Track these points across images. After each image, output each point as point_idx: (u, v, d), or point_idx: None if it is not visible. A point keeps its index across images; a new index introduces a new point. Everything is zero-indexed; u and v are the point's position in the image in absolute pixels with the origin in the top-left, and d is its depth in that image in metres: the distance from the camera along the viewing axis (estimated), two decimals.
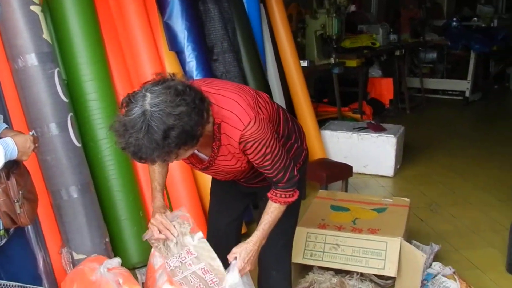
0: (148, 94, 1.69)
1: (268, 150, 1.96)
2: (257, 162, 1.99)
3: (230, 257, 2.10)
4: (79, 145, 3.00)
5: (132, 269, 3.14)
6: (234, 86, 2.04)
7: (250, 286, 2.19)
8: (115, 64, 3.34)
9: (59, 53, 3.14)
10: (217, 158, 2.02)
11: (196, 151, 2.01)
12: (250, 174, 2.19)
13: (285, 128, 2.18)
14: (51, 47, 2.94)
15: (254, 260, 2.12)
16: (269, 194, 2.09)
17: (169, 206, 3.41)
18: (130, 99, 1.70)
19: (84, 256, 2.86)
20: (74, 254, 2.94)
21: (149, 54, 3.45)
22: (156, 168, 2.19)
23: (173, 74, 1.82)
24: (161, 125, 1.65)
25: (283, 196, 2.07)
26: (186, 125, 1.68)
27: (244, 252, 2.08)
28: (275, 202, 2.08)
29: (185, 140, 1.71)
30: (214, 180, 2.46)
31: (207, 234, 2.57)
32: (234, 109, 1.90)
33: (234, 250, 2.10)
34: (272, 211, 2.09)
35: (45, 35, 2.89)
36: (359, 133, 5.20)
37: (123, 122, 1.67)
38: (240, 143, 1.92)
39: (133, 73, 3.43)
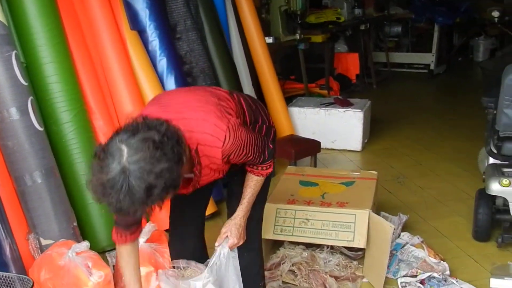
0: (124, 148, 1.60)
1: (248, 147, 1.98)
2: (241, 161, 2.03)
3: (221, 237, 2.12)
4: (41, 129, 2.93)
5: (102, 252, 3.10)
6: (194, 100, 1.98)
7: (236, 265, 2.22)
8: (75, 45, 3.26)
9: (16, 35, 3.04)
10: (201, 179, 2.01)
11: None
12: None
13: (251, 114, 2.18)
14: (7, 29, 2.85)
15: (244, 232, 2.17)
16: (248, 168, 2.12)
17: None
18: (106, 153, 1.61)
19: (52, 242, 2.82)
20: (42, 239, 2.89)
21: (110, 34, 3.39)
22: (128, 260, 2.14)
23: (146, 117, 1.73)
24: (142, 183, 1.58)
25: (263, 168, 2.12)
26: (168, 181, 1.63)
27: (234, 229, 2.12)
28: (256, 175, 2.12)
29: (168, 193, 1.67)
30: None
31: (170, 226, 2.52)
32: (205, 128, 1.88)
33: (224, 230, 2.12)
34: (254, 184, 2.14)
35: (0, 17, 2.80)
36: (327, 108, 5.21)
37: (101, 181, 1.59)
38: (223, 158, 1.92)
39: (94, 54, 3.37)
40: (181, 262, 2.34)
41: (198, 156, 1.89)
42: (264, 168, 2.12)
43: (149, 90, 3.54)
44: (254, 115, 2.20)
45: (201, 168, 1.94)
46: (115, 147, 1.62)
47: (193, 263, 2.32)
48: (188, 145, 1.82)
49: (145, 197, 1.60)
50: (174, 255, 2.51)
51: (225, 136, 1.88)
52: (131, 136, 1.63)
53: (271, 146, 2.12)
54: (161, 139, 1.64)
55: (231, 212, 2.31)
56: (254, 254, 2.38)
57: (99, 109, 3.30)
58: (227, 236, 2.13)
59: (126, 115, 1.85)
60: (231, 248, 2.10)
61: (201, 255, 2.51)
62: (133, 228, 2.07)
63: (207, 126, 1.88)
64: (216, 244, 2.11)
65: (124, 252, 2.11)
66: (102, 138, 3.29)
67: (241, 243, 2.15)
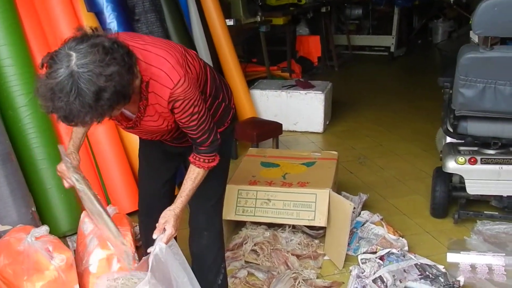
0: (73, 53, 1.58)
1: (196, 109, 1.93)
2: (183, 121, 1.95)
3: (160, 228, 2.03)
4: None
5: (62, 237, 3.08)
6: (161, 41, 1.97)
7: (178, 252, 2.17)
8: (30, 28, 3.19)
9: None
10: (143, 119, 1.97)
11: (123, 109, 1.95)
12: (176, 134, 2.16)
13: (213, 86, 2.14)
14: None
15: (179, 225, 2.10)
16: (191, 159, 2.06)
17: (98, 172, 3.35)
18: (53, 59, 1.59)
19: (10, 227, 2.77)
20: None
21: (66, 16, 3.32)
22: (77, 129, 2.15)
23: (95, 28, 1.71)
24: (92, 87, 1.56)
25: (206, 161, 2.05)
26: (118, 85, 1.61)
27: (172, 220, 2.03)
28: (198, 167, 2.06)
29: (117, 100, 1.64)
30: (141, 142, 2.42)
31: (138, 198, 2.52)
32: (163, 66, 1.84)
33: (162, 220, 2.04)
34: (195, 177, 2.07)
35: None
36: (288, 91, 5.23)
37: (50, 86, 1.56)
38: (169, 102, 1.86)
39: (51, 36, 3.29)
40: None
41: (147, 91, 1.86)
42: (207, 160, 2.06)
43: None
44: (215, 89, 2.16)
45: (147, 105, 1.90)
46: (63, 53, 1.59)
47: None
48: (141, 75, 1.80)
49: (95, 101, 1.58)
50: (142, 227, 2.55)
51: (179, 80, 1.84)
52: (79, 43, 1.60)
53: (218, 137, 2.06)
54: (111, 45, 1.63)
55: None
56: (215, 235, 2.37)
57: None
58: (164, 227, 2.04)
59: None
60: (168, 240, 2.01)
61: None
62: None
63: (165, 64, 1.84)
64: (154, 235, 2.01)
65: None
66: (60, 123, 3.23)
67: (175, 233, 2.06)
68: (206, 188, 2.17)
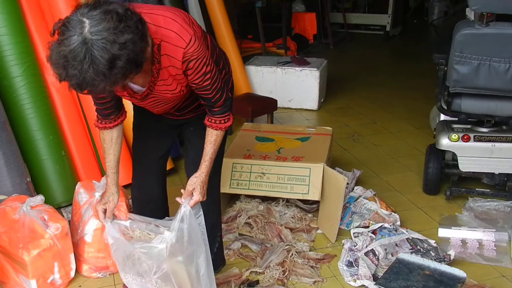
0: (86, 20, 1.55)
1: (208, 68, 1.94)
2: (197, 82, 1.95)
3: (187, 193, 2.09)
4: None
5: (57, 208, 3.08)
6: (163, 6, 1.99)
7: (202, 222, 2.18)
8: None
9: None
10: (157, 83, 1.95)
11: (130, 84, 1.95)
12: (184, 103, 2.18)
13: (213, 53, 2.13)
14: None
15: (205, 190, 2.15)
16: (207, 122, 2.10)
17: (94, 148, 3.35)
18: (66, 26, 1.56)
19: (5, 197, 2.78)
20: None
21: None
22: (110, 139, 2.17)
23: None
24: (106, 54, 1.54)
25: (222, 121, 2.09)
26: (132, 53, 1.59)
27: (199, 186, 2.10)
28: (215, 129, 2.10)
29: (131, 69, 1.63)
30: (137, 115, 2.40)
31: (133, 172, 2.51)
32: (172, 27, 1.83)
33: (190, 187, 2.10)
34: (214, 139, 2.12)
35: None
36: (283, 67, 5.22)
37: (63, 53, 1.54)
38: (183, 62, 1.86)
39: (45, 5, 3.25)
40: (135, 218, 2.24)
41: (159, 54, 1.85)
42: (223, 121, 2.10)
43: None
44: (216, 56, 2.16)
45: (160, 68, 1.89)
46: (75, 20, 1.56)
47: (150, 222, 2.21)
48: (151, 38, 1.79)
49: (109, 69, 1.57)
50: (136, 202, 2.53)
51: (190, 39, 1.84)
52: (92, 9, 1.58)
53: (230, 95, 2.10)
54: (124, 13, 1.62)
55: (189, 161, 2.35)
56: (213, 204, 2.40)
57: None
58: (192, 192, 2.11)
59: None
60: (193, 205, 2.09)
61: (162, 205, 2.55)
62: (113, 116, 2.12)
63: (174, 25, 1.83)
64: (182, 199, 2.07)
65: (106, 137, 2.15)
66: (55, 94, 3.23)
67: (202, 199, 2.14)
68: None
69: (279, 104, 4.76)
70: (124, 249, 2.08)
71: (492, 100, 3.19)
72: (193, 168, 2.19)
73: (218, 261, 2.45)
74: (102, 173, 3.28)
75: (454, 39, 3.02)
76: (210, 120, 2.10)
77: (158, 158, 2.45)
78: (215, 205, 2.47)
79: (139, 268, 2.06)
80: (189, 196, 2.09)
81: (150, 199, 2.48)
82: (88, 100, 3.24)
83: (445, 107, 3.35)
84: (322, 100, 5.41)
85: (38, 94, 3.10)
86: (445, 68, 3.25)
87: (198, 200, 2.09)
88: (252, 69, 5.25)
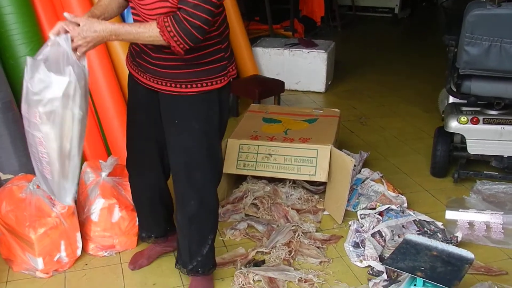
0: None
1: None
2: None
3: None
4: None
5: None
6: None
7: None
8: None
9: None
10: None
11: None
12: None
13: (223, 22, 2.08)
14: None
15: (90, 41, 1.88)
16: (159, 18, 1.86)
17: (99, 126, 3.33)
18: None
19: (12, 176, 2.78)
20: (1, 174, 2.85)
21: None
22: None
23: None
24: None
25: (172, 34, 1.83)
26: None
27: (86, 27, 1.85)
28: (157, 25, 1.85)
29: None
30: (129, 103, 2.33)
31: (126, 157, 2.43)
32: None
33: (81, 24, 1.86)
34: (144, 29, 1.87)
35: None
36: (291, 49, 5.18)
37: None
38: None
39: None
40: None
41: None
42: (178, 43, 1.84)
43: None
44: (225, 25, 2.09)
45: None
46: None
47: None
48: None
49: None
50: (132, 188, 2.49)
51: None
52: None
53: (210, 20, 1.87)
54: None
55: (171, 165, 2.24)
56: (208, 177, 2.20)
57: None
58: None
59: None
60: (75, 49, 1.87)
61: (161, 195, 2.44)
62: None
63: None
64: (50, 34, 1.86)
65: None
66: None
67: (80, 45, 1.87)
68: (191, 134, 2.10)
69: (286, 87, 4.73)
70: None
71: (502, 83, 3.15)
72: (179, 169, 2.16)
73: (209, 264, 2.35)
74: (109, 153, 3.28)
75: (465, 20, 2.98)
76: (164, 20, 1.84)
77: (150, 140, 2.29)
78: (211, 212, 2.29)
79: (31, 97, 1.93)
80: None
81: (145, 185, 2.41)
82: (94, 79, 3.22)
83: (455, 89, 3.32)
84: (329, 83, 5.37)
85: None
86: (455, 50, 3.21)
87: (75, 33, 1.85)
88: (259, 51, 5.22)
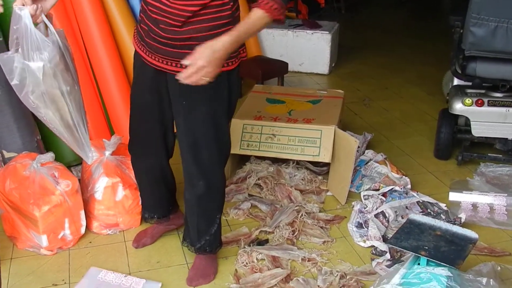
0: None
1: None
2: None
3: (194, 53, 1.81)
4: (0, 39, 2.82)
5: (67, 167, 3.08)
6: None
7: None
8: None
9: None
10: None
11: None
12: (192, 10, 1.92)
13: None
14: None
15: (218, 63, 1.84)
16: (254, 5, 1.86)
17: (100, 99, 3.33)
18: None
19: (15, 154, 2.78)
20: (4, 152, 2.85)
21: None
22: None
23: None
24: None
25: (275, 8, 1.83)
26: None
27: (208, 50, 1.80)
28: (262, 9, 1.83)
29: None
30: (133, 83, 2.29)
31: (129, 140, 2.39)
32: None
33: (198, 49, 1.81)
34: (253, 20, 1.85)
35: None
36: (295, 30, 5.15)
37: None
38: None
39: None
40: None
41: None
42: (277, 8, 1.82)
43: None
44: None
45: None
46: None
47: None
48: None
49: None
50: (135, 169, 2.46)
51: None
52: None
53: None
54: None
55: (181, 144, 2.18)
56: (214, 158, 2.19)
57: (58, 16, 3.15)
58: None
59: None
60: (196, 71, 1.80)
61: (163, 176, 2.42)
62: None
63: None
64: (185, 62, 1.81)
65: None
66: None
67: (209, 70, 1.82)
68: (203, 109, 2.07)
69: (290, 68, 4.71)
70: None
71: (508, 65, 3.13)
72: (187, 149, 2.13)
73: (216, 243, 2.36)
74: (112, 132, 3.27)
75: (472, 0, 2.95)
76: (262, 1, 1.83)
77: (152, 121, 2.26)
78: (218, 192, 2.28)
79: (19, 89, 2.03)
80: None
81: (147, 166, 2.40)
82: (98, 59, 3.21)
83: (460, 71, 3.30)
84: (333, 65, 5.35)
85: None
86: (461, 31, 3.18)
87: (199, 66, 1.79)
88: (263, 32, 5.17)
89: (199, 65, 1.79)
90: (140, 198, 2.61)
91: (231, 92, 2.14)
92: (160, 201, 2.53)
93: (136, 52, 2.19)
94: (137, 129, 2.32)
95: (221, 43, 1.82)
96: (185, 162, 2.20)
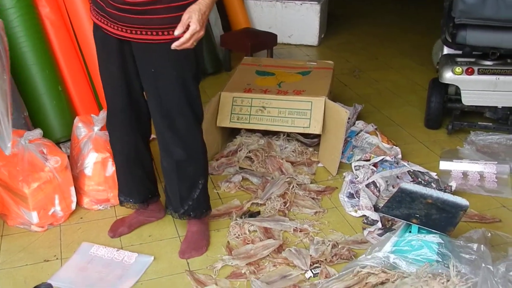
0: None
1: None
2: None
3: (182, 23, 1.83)
4: None
5: (56, 144, 3.05)
6: None
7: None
8: None
9: None
10: None
11: None
12: None
13: None
14: None
15: (205, 22, 1.88)
16: None
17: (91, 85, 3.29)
18: None
19: None
20: None
21: None
22: None
23: None
24: None
25: None
26: None
27: (197, 13, 1.83)
28: None
29: None
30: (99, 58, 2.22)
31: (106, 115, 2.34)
32: None
33: (186, 14, 1.84)
34: None
35: None
36: (283, 1, 5.09)
37: None
38: None
39: None
40: None
41: None
42: None
43: None
44: None
45: None
46: None
47: None
48: None
49: None
50: (112, 148, 2.39)
51: None
52: None
53: None
54: None
55: (152, 110, 2.16)
56: (191, 121, 2.15)
57: None
58: (188, 23, 1.84)
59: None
60: (191, 37, 1.84)
61: (139, 155, 2.34)
62: None
63: None
64: (176, 31, 1.83)
65: None
66: (49, 27, 3.14)
67: (201, 33, 1.87)
68: (172, 78, 2.05)
69: (279, 40, 4.67)
70: None
71: (498, 32, 3.12)
72: (159, 116, 2.09)
73: (200, 207, 2.33)
74: (100, 107, 3.24)
75: None
76: None
77: (123, 95, 2.19)
78: (198, 157, 2.25)
79: None
80: (185, 26, 1.83)
81: (122, 141, 2.32)
82: (84, 33, 3.16)
83: (450, 40, 3.28)
84: (322, 36, 5.31)
85: (32, 27, 3.00)
86: None
87: (195, 30, 1.83)
88: (251, 3, 5.12)
89: (194, 29, 1.82)
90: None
91: (197, 56, 2.10)
92: (136, 185, 2.42)
93: (95, 25, 2.11)
94: (109, 105, 2.26)
95: (205, 3, 1.86)
96: (160, 133, 2.17)
